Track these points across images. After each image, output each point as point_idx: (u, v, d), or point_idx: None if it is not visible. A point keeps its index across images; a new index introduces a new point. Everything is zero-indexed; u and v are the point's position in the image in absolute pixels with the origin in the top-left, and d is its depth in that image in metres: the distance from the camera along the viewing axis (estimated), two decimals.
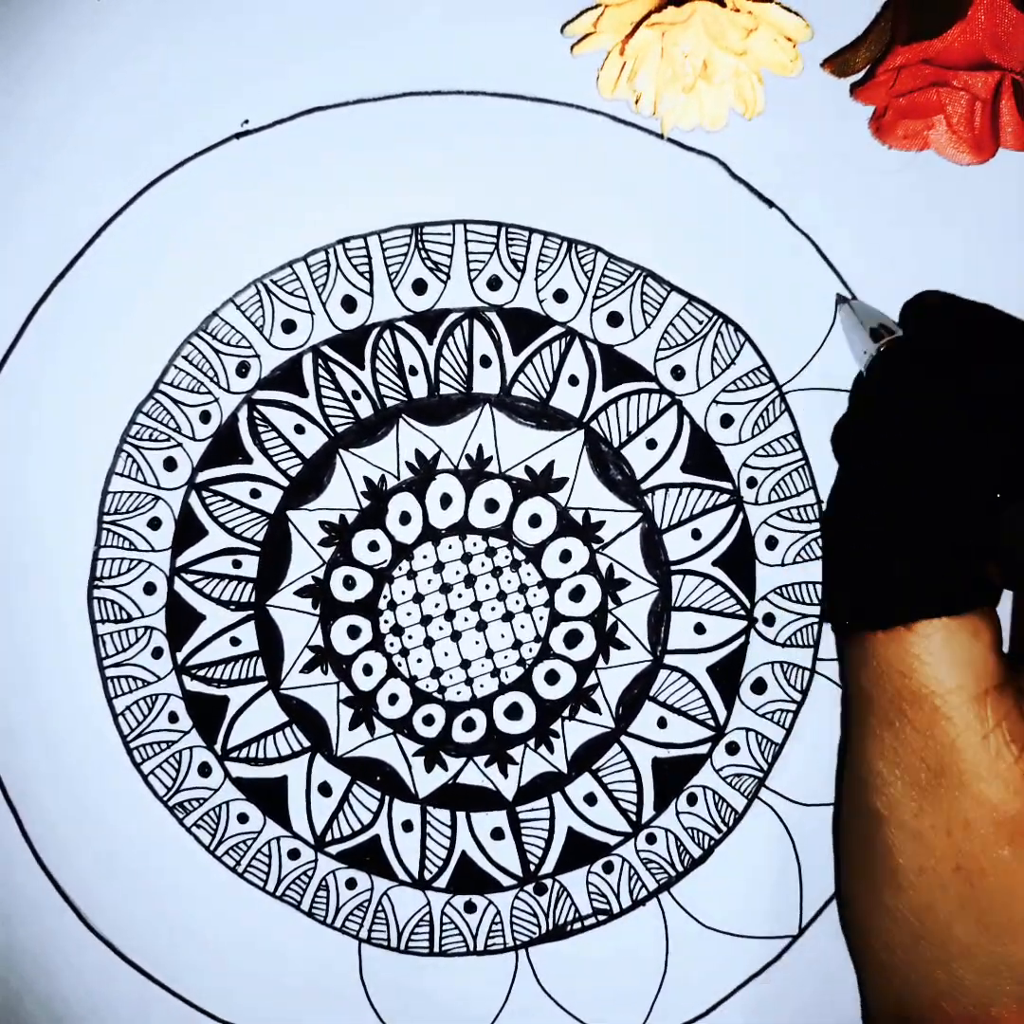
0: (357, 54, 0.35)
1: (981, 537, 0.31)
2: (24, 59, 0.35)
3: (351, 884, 0.39)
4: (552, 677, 0.38)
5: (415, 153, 0.36)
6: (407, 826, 0.38)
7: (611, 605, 0.38)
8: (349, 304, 0.36)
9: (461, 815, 0.38)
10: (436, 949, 0.39)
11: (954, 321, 0.34)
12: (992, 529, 0.31)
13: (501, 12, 0.35)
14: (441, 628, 0.38)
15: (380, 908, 0.39)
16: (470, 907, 0.39)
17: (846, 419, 0.35)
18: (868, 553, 0.32)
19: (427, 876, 0.39)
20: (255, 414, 0.37)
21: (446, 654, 0.38)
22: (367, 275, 0.36)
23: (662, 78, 0.34)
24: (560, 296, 0.36)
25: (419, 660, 0.38)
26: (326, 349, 0.36)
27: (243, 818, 0.38)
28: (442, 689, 0.38)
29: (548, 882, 0.39)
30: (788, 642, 0.38)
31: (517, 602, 0.37)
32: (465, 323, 0.36)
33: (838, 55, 0.35)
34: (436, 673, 0.38)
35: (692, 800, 0.38)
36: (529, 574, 0.37)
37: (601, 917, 0.39)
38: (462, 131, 0.35)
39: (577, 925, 0.39)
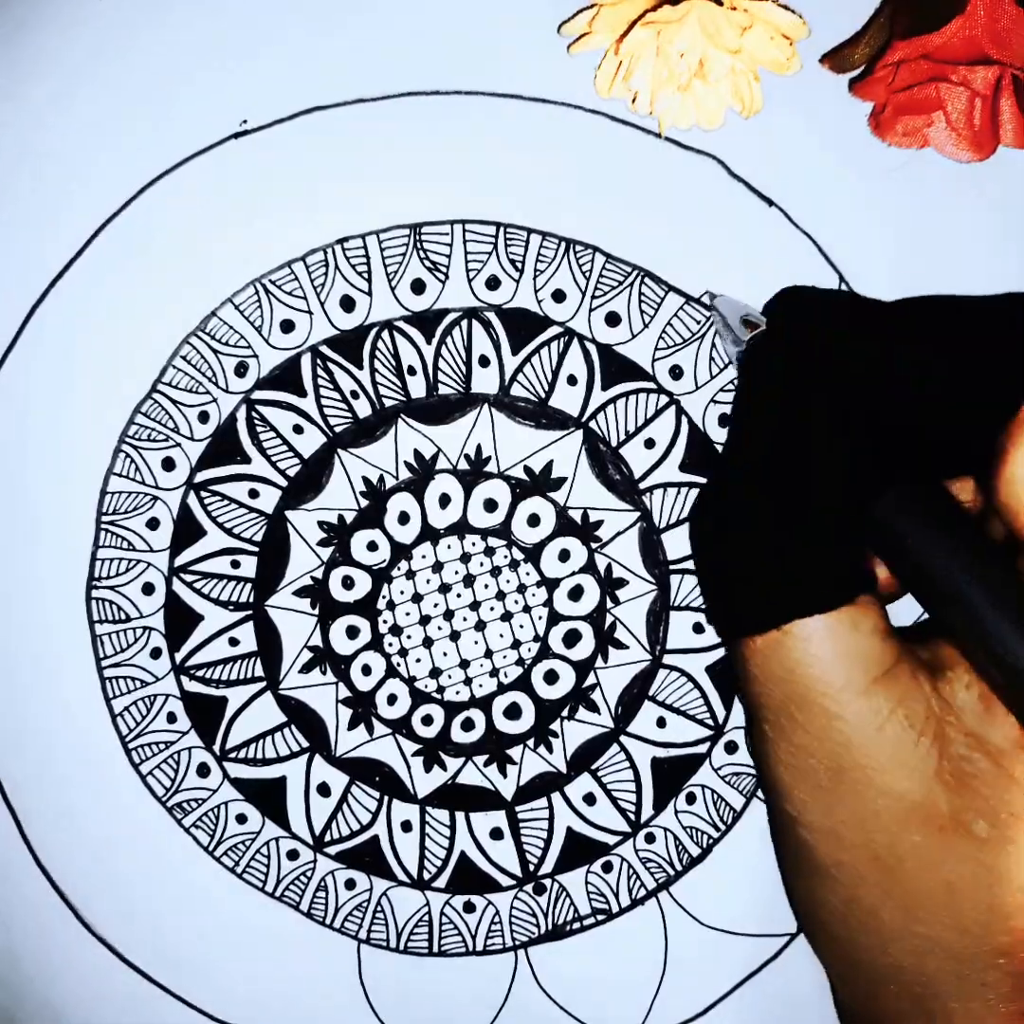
0: (356, 54, 0.35)
1: (850, 530, 0.30)
2: (22, 59, 0.35)
3: (350, 884, 0.39)
4: (551, 677, 0.38)
5: (413, 153, 0.36)
6: (406, 826, 0.38)
7: (610, 605, 0.38)
8: (348, 304, 0.36)
9: (460, 815, 0.38)
10: (435, 949, 0.39)
11: (814, 310, 0.33)
12: (862, 520, 0.30)
13: (500, 12, 0.35)
14: (440, 628, 0.38)
15: (379, 908, 0.39)
16: (469, 907, 0.39)
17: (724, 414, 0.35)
18: (733, 555, 0.31)
19: (426, 876, 0.38)
20: (254, 414, 0.37)
21: (445, 654, 0.38)
22: (365, 275, 0.36)
23: (658, 77, 0.34)
24: (558, 296, 0.36)
25: (418, 660, 0.38)
26: (325, 349, 0.36)
27: (242, 819, 0.38)
28: (441, 689, 0.38)
29: (547, 882, 0.39)
30: None
31: (516, 602, 0.37)
32: (464, 323, 0.36)
33: (836, 51, 0.34)
34: (435, 673, 0.38)
35: (691, 799, 0.38)
36: (528, 574, 0.37)
37: (600, 917, 0.39)
38: (460, 131, 0.35)
39: (576, 925, 0.39)
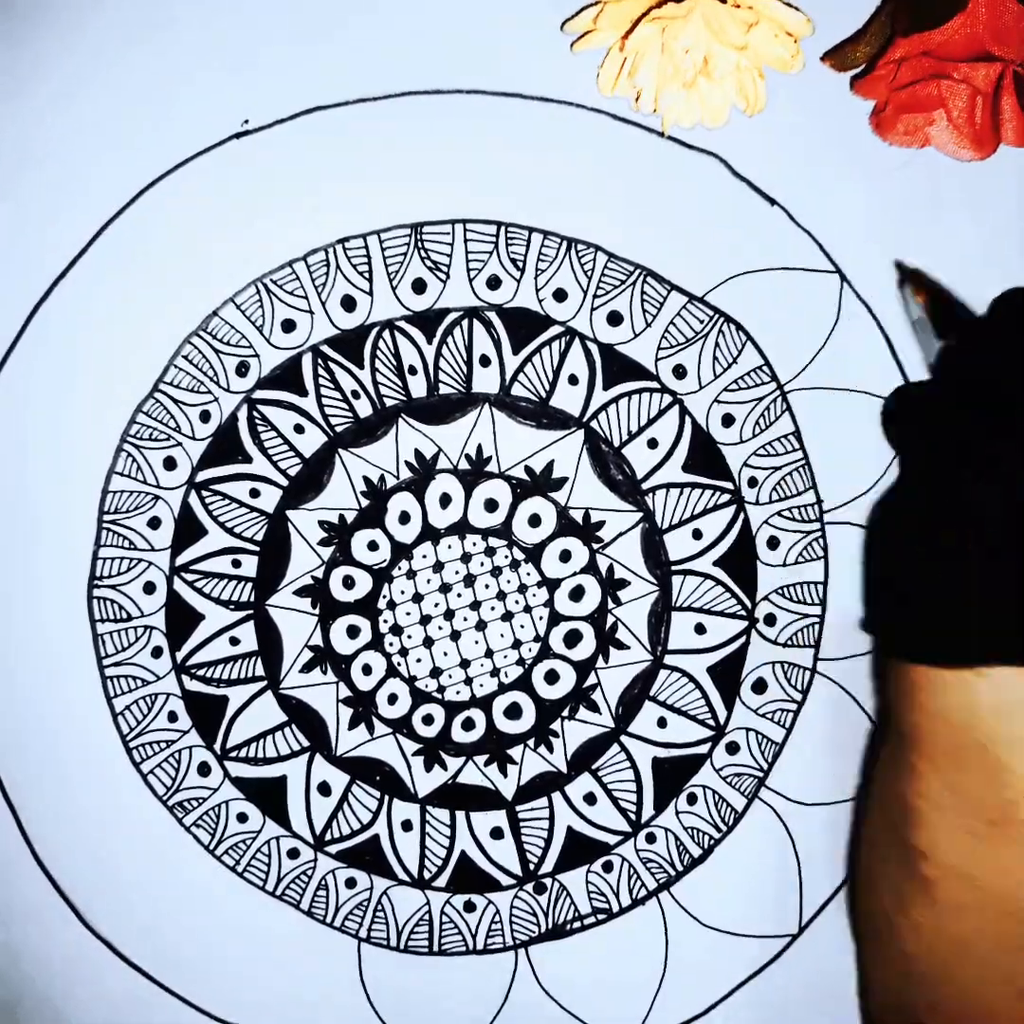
0: (357, 54, 0.35)
1: None
2: (26, 61, 0.35)
3: (351, 883, 0.39)
4: (552, 677, 0.38)
5: (414, 153, 0.35)
6: (406, 825, 0.38)
7: (611, 605, 0.37)
8: (349, 304, 0.36)
9: (460, 815, 0.38)
10: (436, 948, 0.39)
11: None
12: None
13: (500, 11, 0.35)
14: (440, 628, 0.38)
15: (380, 907, 0.39)
16: (470, 906, 0.39)
17: (909, 409, 0.32)
18: (933, 579, 0.29)
19: (426, 875, 0.38)
20: (255, 413, 0.37)
21: (445, 654, 0.38)
22: (366, 275, 0.36)
23: (663, 74, 0.34)
24: (560, 295, 0.36)
25: (418, 660, 0.38)
26: (326, 349, 0.36)
27: (242, 818, 0.38)
28: (441, 689, 0.38)
29: (547, 881, 0.39)
30: (789, 642, 0.37)
31: (517, 602, 0.37)
32: (464, 322, 0.36)
33: (838, 48, 0.34)
34: (435, 673, 0.38)
35: (692, 800, 0.38)
36: (529, 574, 0.37)
37: (601, 916, 0.39)
38: (461, 130, 0.35)
39: (577, 924, 0.39)
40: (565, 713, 0.38)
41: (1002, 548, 0.28)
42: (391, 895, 0.39)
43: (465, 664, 0.38)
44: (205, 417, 0.37)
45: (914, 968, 0.31)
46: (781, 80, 0.34)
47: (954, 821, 0.29)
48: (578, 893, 0.39)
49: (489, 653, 0.38)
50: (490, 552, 0.37)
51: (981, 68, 0.32)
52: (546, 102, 0.35)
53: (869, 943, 0.33)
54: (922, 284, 0.34)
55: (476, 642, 0.38)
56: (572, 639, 0.38)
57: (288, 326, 0.36)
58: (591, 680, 0.38)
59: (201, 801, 0.38)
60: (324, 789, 0.38)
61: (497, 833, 0.38)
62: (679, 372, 0.37)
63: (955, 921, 0.29)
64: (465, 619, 0.37)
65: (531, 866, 0.38)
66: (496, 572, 0.37)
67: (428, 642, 0.38)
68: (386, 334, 0.36)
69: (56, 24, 0.35)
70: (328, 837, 0.38)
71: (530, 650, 0.38)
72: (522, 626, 0.37)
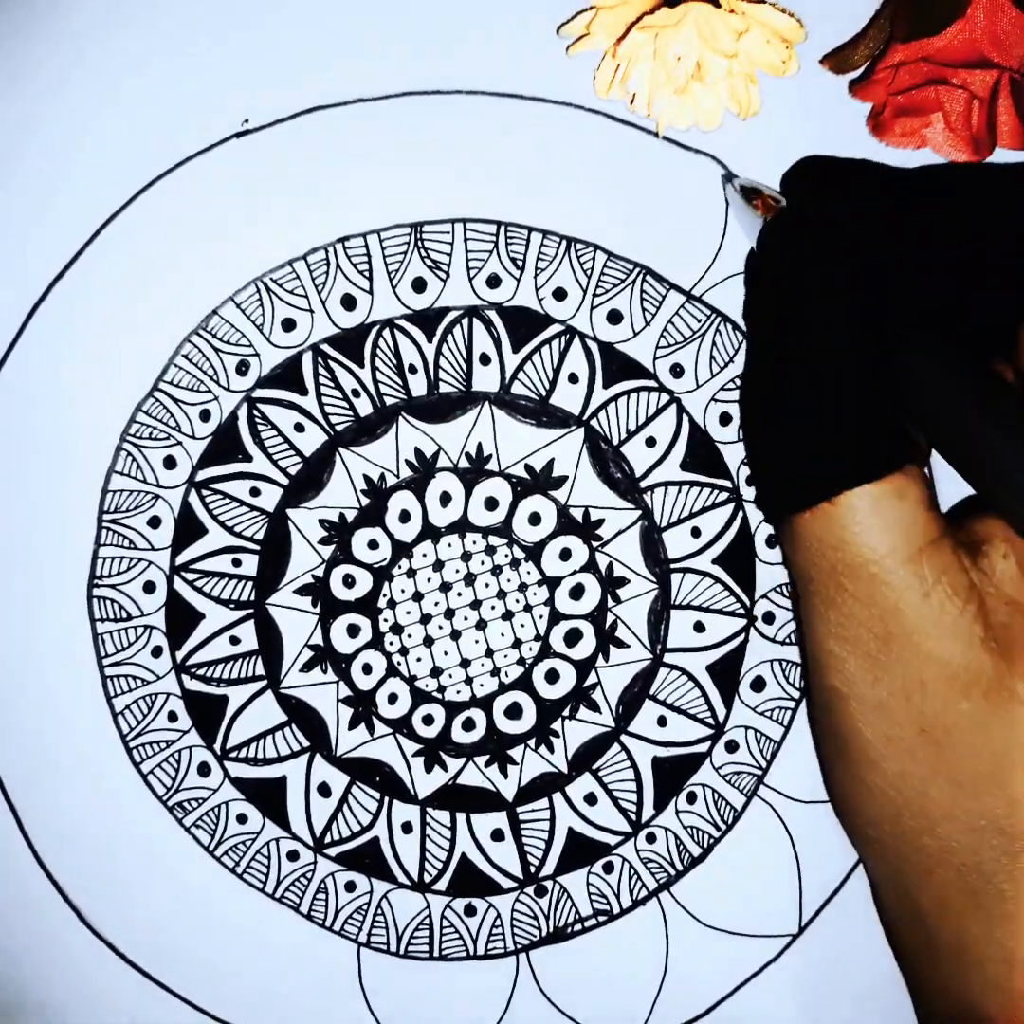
0: (356, 54, 0.35)
1: (889, 397, 0.30)
2: (23, 59, 0.35)
3: (350, 887, 0.38)
4: (552, 676, 0.38)
5: (414, 152, 0.36)
6: (407, 827, 0.38)
7: (611, 603, 0.38)
8: (349, 302, 0.36)
9: (461, 816, 0.38)
10: (436, 953, 0.39)
11: (831, 182, 0.34)
12: (896, 388, 0.30)
13: (499, 12, 0.35)
14: (441, 627, 0.38)
15: (379, 911, 0.38)
16: (470, 910, 0.39)
17: (745, 297, 0.35)
18: (778, 433, 0.32)
19: (427, 878, 0.38)
20: (255, 412, 0.37)
21: (446, 653, 0.38)
22: (367, 274, 0.36)
23: (655, 80, 0.34)
24: (559, 294, 0.36)
25: (419, 659, 0.38)
26: (326, 347, 0.37)
27: (242, 818, 0.38)
28: (442, 688, 0.38)
29: (548, 884, 0.38)
30: (787, 640, 0.38)
31: (517, 600, 0.37)
32: (464, 321, 0.37)
33: (837, 52, 0.35)
34: (436, 672, 0.38)
35: (692, 799, 0.38)
36: (529, 572, 0.37)
37: (601, 918, 0.39)
38: (461, 130, 0.36)
39: (577, 927, 0.39)
40: (566, 713, 0.38)
41: (833, 384, 0.30)
42: (391, 899, 0.38)
43: (465, 663, 0.38)
44: (205, 416, 0.37)
45: (887, 835, 0.31)
46: (778, 81, 0.35)
47: (857, 647, 0.30)
48: (579, 895, 0.39)
49: (489, 652, 0.38)
50: (490, 550, 0.37)
51: (978, 74, 0.33)
52: (545, 103, 0.36)
53: (849, 832, 0.33)
54: (761, 195, 0.34)
55: (476, 641, 0.38)
56: (572, 638, 0.38)
57: (288, 325, 0.36)
58: (591, 679, 0.38)
59: (201, 801, 0.38)
60: (324, 790, 0.38)
61: (498, 835, 0.38)
62: (677, 371, 0.37)
63: (889, 760, 0.30)
64: (465, 618, 0.37)
65: (532, 868, 0.38)
66: (496, 571, 0.37)
67: (428, 641, 0.38)
68: (386, 333, 0.36)
69: (55, 23, 0.35)
70: (328, 839, 0.38)
71: (530, 649, 0.38)
72: (522, 625, 0.38)
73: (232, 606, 0.37)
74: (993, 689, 0.29)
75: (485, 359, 0.37)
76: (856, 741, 0.30)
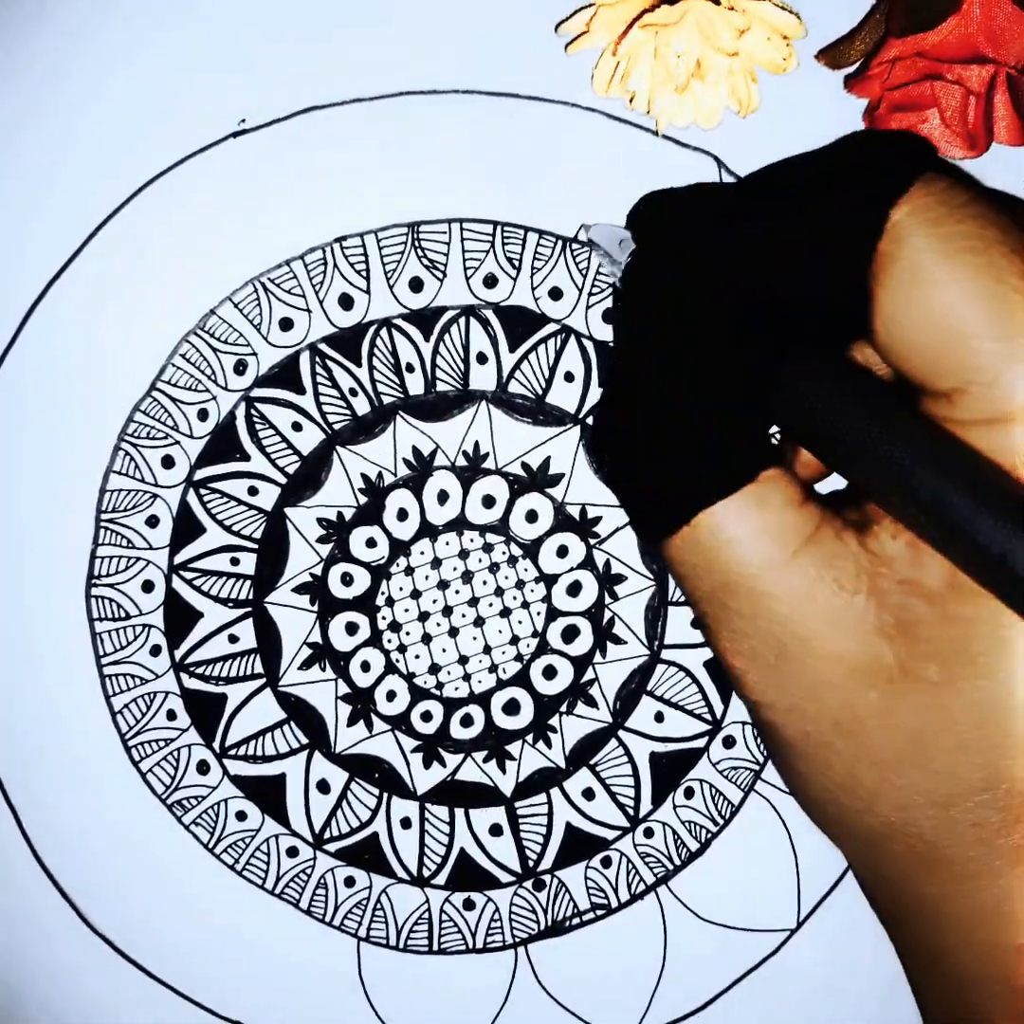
0: (353, 54, 0.35)
1: (735, 413, 0.29)
2: (22, 59, 0.35)
3: (350, 882, 0.39)
4: (549, 672, 0.38)
5: (411, 152, 0.36)
6: (406, 823, 0.38)
7: (608, 600, 0.38)
8: (346, 302, 0.36)
9: (459, 812, 0.38)
10: (435, 947, 0.39)
11: (672, 211, 0.33)
12: (748, 402, 0.29)
13: (496, 11, 0.35)
14: (439, 624, 0.38)
15: (379, 906, 0.39)
16: (469, 904, 0.39)
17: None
18: (632, 465, 0.31)
19: (426, 873, 0.39)
20: (253, 412, 0.37)
21: (444, 650, 0.38)
22: (364, 273, 0.36)
23: (655, 78, 0.34)
24: (555, 293, 0.37)
25: (417, 656, 0.38)
26: (323, 347, 0.37)
27: (241, 816, 0.38)
28: (440, 685, 0.38)
29: (546, 878, 0.39)
30: None
31: (514, 598, 0.38)
32: (461, 320, 0.37)
33: (832, 47, 0.35)
34: (434, 669, 0.38)
35: (689, 794, 0.38)
36: (526, 569, 0.38)
37: (599, 912, 0.39)
38: (458, 130, 0.36)
39: (576, 921, 0.39)
40: (563, 709, 0.38)
41: (678, 412, 0.30)
42: (390, 894, 0.39)
43: (463, 660, 0.38)
44: (203, 415, 0.37)
45: (833, 819, 0.31)
46: (777, 79, 0.35)
47: (754, 661, 0.29)
48: (577, 889, 0.39)
49: (487, 649, 0.38)
50: (488, 548, 0.37)
51: (974, 69, 0.33)
52: (542, 102, 0.36)
53: (822, 828, 0.33)
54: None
55: (474, 638, 0.38)
56: (570, 634, 0.38)
57: (286, 324, 0.36)
58: (589, 675, 0.38)
59: (200, 799, 0.38)
60: (323, 786, 0.38)
61: (496, 830, 0.39)
62: None
63: (813, 756, 0.30)
64: (463, 615, 0.38)
65: (530, 863, 0.39)
66: (494, 568, 0.37)
67: (426, 638, 0.38)
68: (384, 332, 0.37)
69: (53, 23, 0.35)
70: (327, 835, 0.38)
71: (528, 646, 0.38)
72: (520, 622, 0.38)
73: (230, 605, 0.37)
74: (898, 674, 0.28)
75: (482, 358, 0.37)
76: (780, 742, 0.30)
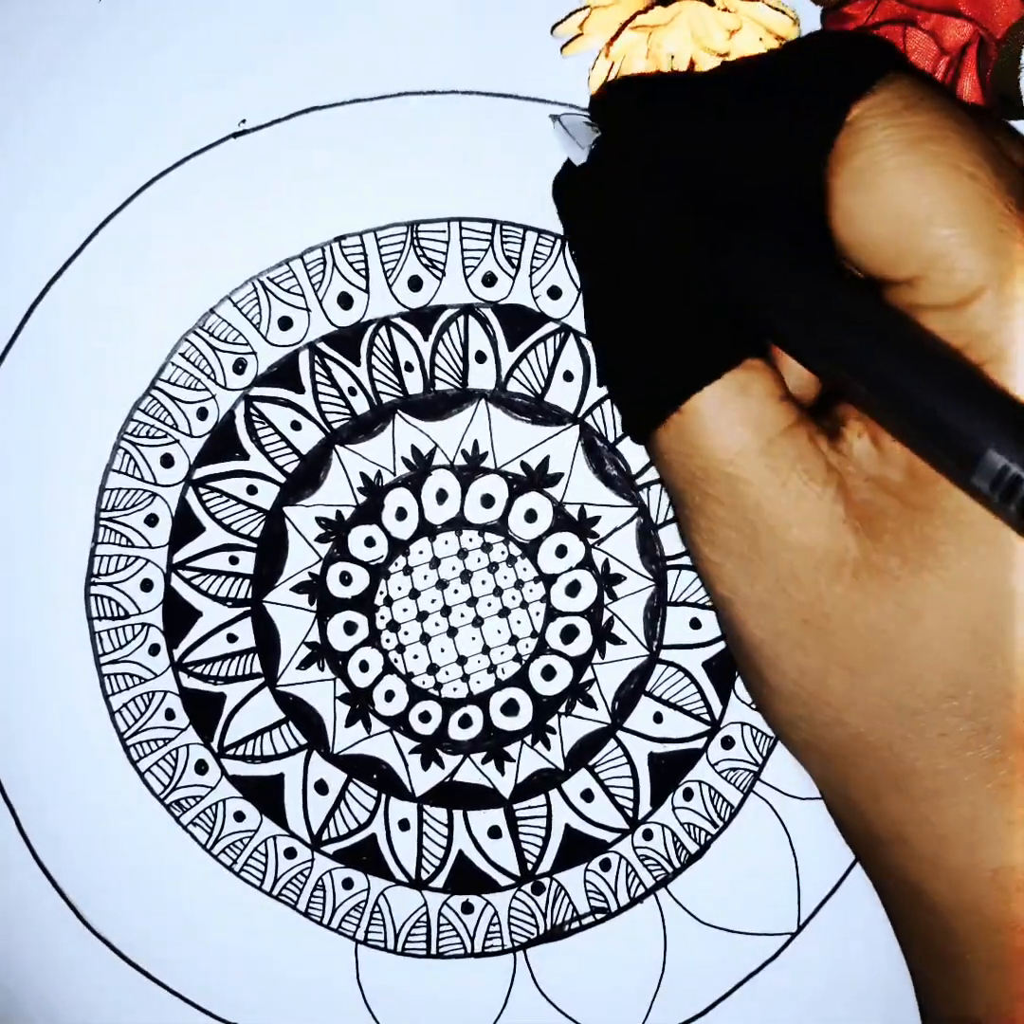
0: (353, 54, 0.36)
1: (717, 296, 0.30)
2: (21, 60, 0.35)
3: (347, 884, 0.38)
4: (548, 673, 0.38)
5: (410, 152, 0.36)
6: (404, 825, 0.38)
7: (607, 600, 0.38)
8: (345, 301, 0.37)
9: (458, 813, 0.38)
10: (433, 951, 0.39)
11: (637, 98, 0.33)
12: (726, 284, 0.30)
13: (494, 12, 0.35)
14: (437, 624, 0.38)
15: (377, 909, 0.39)
16: (467, 908, 0.39)
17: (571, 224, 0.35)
18: (618, 352, 0.32)
19: (424, 876, 0.38)
20: (252, 411, 0.37)
21: (442, 650, 0.38)
22: (363, 273, 0.36)
23: None
24: (554, 292, 0.37)
25: (415, 656, 0.38)
26: (322, 346, 0.37)
27: (240, 816, 0.38)
28: (438, 685, 0.38)
29: (545, 881, 0.38)
30: None
31: (513, 597, 0.38)
32: (460, 319, 0.37)
33: None
34: (432, 669, 0.38)
35: (688, 795, 0.38)
36: (525, 569, 0.38)
37: (599, 916, 0.39)
38: (457, 130, 0.36)
39: (575, 925, 0.39)
40: (562, 709, 0.38)
41: (654, 299, 0.30)
42: (388, 896, 0.39)
43: (462, 660, 0.38)
44: (202, 414, 0.37)
45: (807, 737, 0.31)
46: None
47: (729, 550, 0.30)
48: (576, 892, 0.39)
49: (486, 649, 0.38)
50: (487, 548, 0.37)
51: (951, 24, 0.33)
52: (541, 103, 0.36)
53: (794, 754, 0.33)
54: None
55: (473, 638, 0.38)
56: (569, 634, 0.38)
57: (285, 324, 0.37)
58: (588, 675, 0.38)
59: (198, 799, 0.38)
60: (321, 787, 0.38)
61: (495, 832, 0.38)
62: None
63: (784, 659, 0.30)
64: (462, 615, 0.38)
65: (529, 866, 0.38)
66: (493, 568, 0.37)
67: (425, 638, 0.38)
68: (383, 331, 0.37)
69: (53, 24, 0.35)
70: (325, 837, 0.38)
71: (527, 646, 0.38)
72: (519, 622, 0.38)
73: (229, 604, 0.37)
74: (862, 568, 0.28)
75: (481, 357, 0.37)
76: (751, 643, 0.30)
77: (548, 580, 0.38)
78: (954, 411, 0.25)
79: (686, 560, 0.37)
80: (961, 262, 0.27)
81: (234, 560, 0.37)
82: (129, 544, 0.37)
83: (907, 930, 0.32)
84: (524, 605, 0.38)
